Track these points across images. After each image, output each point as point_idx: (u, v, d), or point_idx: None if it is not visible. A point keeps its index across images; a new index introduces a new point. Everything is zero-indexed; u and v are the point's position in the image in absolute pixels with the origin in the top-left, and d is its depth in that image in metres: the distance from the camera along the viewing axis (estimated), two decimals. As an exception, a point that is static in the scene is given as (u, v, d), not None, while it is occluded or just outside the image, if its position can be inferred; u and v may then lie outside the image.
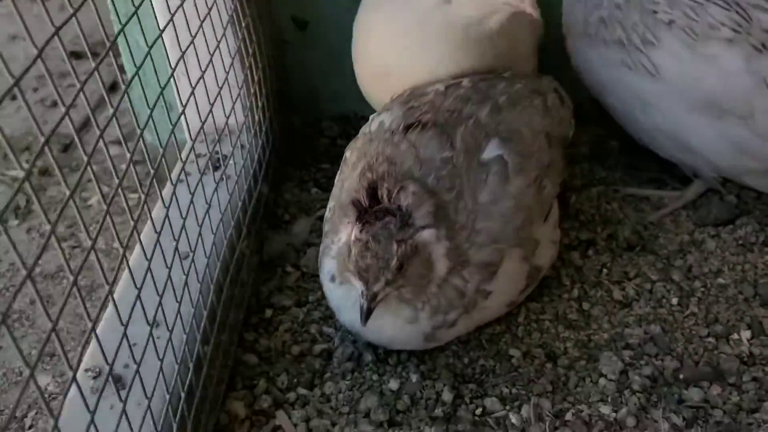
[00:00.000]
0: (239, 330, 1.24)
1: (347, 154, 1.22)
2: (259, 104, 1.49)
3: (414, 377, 1.17)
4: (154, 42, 1.00)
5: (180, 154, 1.15)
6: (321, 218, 1.50)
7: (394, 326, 1.08)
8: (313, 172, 1.65)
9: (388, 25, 1.35)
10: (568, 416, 1.09)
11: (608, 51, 1.37)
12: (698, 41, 1.28)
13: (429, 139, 1.13)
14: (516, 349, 1.20)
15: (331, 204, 1.20)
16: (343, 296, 1.09)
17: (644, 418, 1.07)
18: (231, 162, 1.37)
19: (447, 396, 1.13)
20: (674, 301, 1.25)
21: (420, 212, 1.02)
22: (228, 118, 1.33)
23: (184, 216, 1.07)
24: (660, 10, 1.32)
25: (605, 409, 1.09)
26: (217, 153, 1.39)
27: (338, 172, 1.23)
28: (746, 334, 1.17)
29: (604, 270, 1.33)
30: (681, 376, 1.11)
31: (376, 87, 1.42)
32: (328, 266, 1.11)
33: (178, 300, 1.00)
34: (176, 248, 1.02)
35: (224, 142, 1.40)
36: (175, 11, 1.11)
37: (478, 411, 1.11)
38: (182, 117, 1.12)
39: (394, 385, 1.17)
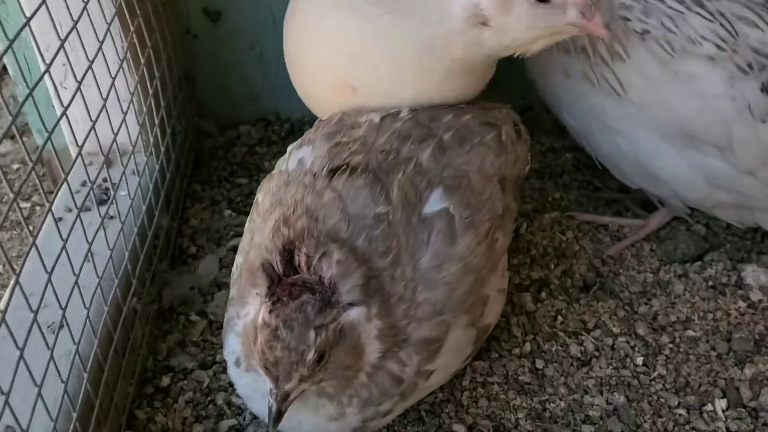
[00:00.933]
0: (128, 409, 1.03)
1: (259, 197, 1.00)
2: (156, 118, 1.25)
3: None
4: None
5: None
6: (234, 249, 1.29)
7: (316, 424, 0.88)
8: (227, 189, 1.43)
9: (373, 35, 1.00)
10: None
11: (569, 59, 1.17)
12: (675, 58, 1.09)
13: (359, 189, 0.90)
14: (460, 423, 1.02)
15: (238, 260, 0.98)
16: (250, 385, 0.88)
17: None
18: (121, 192, 1.13)
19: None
20: (639, 360, 1.09)
21: (346, 286, 0.82)
22: (116, 136, 1.09)
23: (49, 270, 0.85)
24: (633, 18, 1.12)
25: None
26: (104, 182, 1.16)
27: (248, 219, 1.01)
28: (721, 404, 1.02)
29: (559, 318, 1.16)
30: (652, 467, 0.95)
31: (327, 101, 1.10)
32: (232, 346, 0.90)
33: (40, 386, 0.78)
34: (35, 319, 0.80)
35: (113, 168, 1.17)
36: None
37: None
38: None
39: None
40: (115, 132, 1.07)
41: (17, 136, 0.82)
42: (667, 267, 1.24)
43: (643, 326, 1.13)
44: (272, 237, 0.88)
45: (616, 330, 1.13)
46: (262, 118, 1.56)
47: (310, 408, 0.86)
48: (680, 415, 1.02)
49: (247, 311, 0.86)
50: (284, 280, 0.81)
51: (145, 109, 1.22)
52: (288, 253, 0.83)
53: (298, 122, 1.56)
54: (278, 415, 0.80)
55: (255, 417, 1.04)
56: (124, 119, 1.12)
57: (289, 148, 1.05)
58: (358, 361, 0.83)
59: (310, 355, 0.78)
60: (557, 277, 1.23)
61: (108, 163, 1.10)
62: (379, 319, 0.84)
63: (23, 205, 1.51)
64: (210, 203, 1.39)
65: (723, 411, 1.02)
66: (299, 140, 1.05)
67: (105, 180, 1.16)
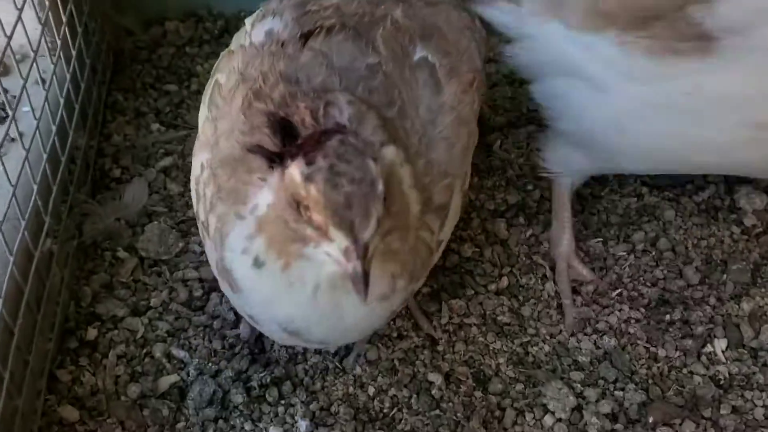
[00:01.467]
0: (47, 371, 0.87)
1: (220, 78, 0.82)
2: (64, 14, 1.02)
3: (303, 424, 0.86)
4: None
5: None
6: (166, 171, 1.11)
7: (361, 309, 0.70)
8: (153, 98, 1.22)
9: None
10: (509, 478, 0.83)
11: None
12: None
13: (341, 43, 0.80)
14: (436, 372, 0.91)
15: (203, 157, 0.78)
16: (279, 282, 0.70)
17: (605, 479, 0.83)
18: (23, 108, 0.93)
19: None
20: (630, 288, 0.99)
21: (368, 126, 0.69)
22: (10, 38, 0.87)
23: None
24: None
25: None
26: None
27: (203, 105, 0.83)
28: (721, 345, 0.94)
29: (540, 247, 1.04)
30: (651, 419, 0.86)
31: None
32: (241, 244, 0.71)
33: None
34: None
35: (10, 77, 0.96)
36: None
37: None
38: None
39: (237, 424, 0.86)
40: (9, 34, 0.85)
41: None
42: (654, 191, 1.12)
43: (632, 257, 1.03)
44: (246, 116, 0.72)
45: (602, 266, 1.03)
46: (192, 13, 1.34)
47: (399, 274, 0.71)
48: (677, 356, 0.93)
49: (255, 203, 0.69)
50: (289, 148, 0.66)
51: (48, 3, 0.99)
52: (281, 121, 0.67)
53: (233, 18, 1.34)
54: (366, 277, 0.62)
55: (201, 372, 0.90)
56: (20, 16, 0.90)
57: (247, 21, 0.88)
58: (407, 213, 0.69)
59: (380, 186, 0.62)
60: (535, 201, 1.10)
61: (4, 71, 0.89)
62: (410, 166, 0.71)
63: None
64: (134, 115, 1.19)
65: (723, 352, 0.94)
66: (259, 12, 0.88)
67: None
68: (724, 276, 1.01)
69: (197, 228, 0.84)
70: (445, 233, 0.80)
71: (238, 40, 0.88)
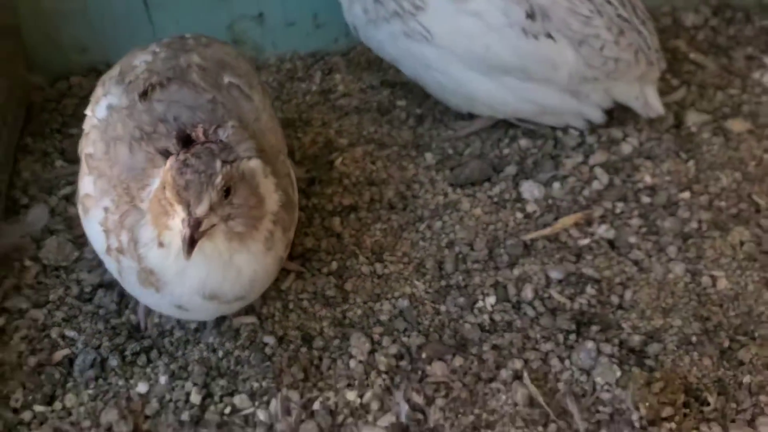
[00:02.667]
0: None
1: (87, 149, 1.08)
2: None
3: (163, 378, 1.12)
4: None
5: None
6: (66, 198, 1.38)
7: (257, 261, 0.97)
8: (58, 140, 1.49)
9: None
10: (316, 406, 1.09)
11: (390, 26, 1.35)
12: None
13: (178, 91, 1.06)
14: (271, 335, 1.18)
15: (102, 206, 1.02)
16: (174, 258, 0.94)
17: (387, 400, 1.09)
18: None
19: (195, 397, 1.10)
20: (431, 267, 1.26)
21: (243, 146, 0.95)
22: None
23: None
24: None
25: (351, 395, 1.10)
26: None
27: (87, 167, 1.09)
28: (490, 300, 1.21)
29: (364, 238, 1.32)
30: (424, 355, 1.13)
31: None
32: (147, 235, 0.96)
33: None
34: None
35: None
36: None
37: (227, 410, 1.09)
38: None
39: (142, 388, 1.12)
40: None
41: None
42: (466, 189, 1.40)
43: (435, 241, 1.31)
44: (147, 148, 0.99)
45: (410, 250, 1.30)
46: (92, 69, 1.61)
47: (244, 249, 0.96)
48: (455, 311, 1.20)
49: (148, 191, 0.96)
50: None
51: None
52: (184, 137, 0.93)
53: (130, 71, 1.62)
54: (191, 240, 0.87)
55: (86, 345, 1.15)
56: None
57: (86, 112, 1.14)
58: (261, 207, 0.96)
59: (218, 180, 0.88)
60: (366, 202, 1.38)
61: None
62: (275, 184, 0.98)
63: None
64: (42, 155, 1.45)
65: (491, 306, 1.21)
66: (91, 103, 1.15)
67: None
68: (503, 252, 1.29)
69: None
70: (296, 193, 1.09)
71: (89, 123, 1.13)
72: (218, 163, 0.89)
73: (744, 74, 1.62)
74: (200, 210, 0.88)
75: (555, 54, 1.29)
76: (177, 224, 0.90)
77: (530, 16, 1.27)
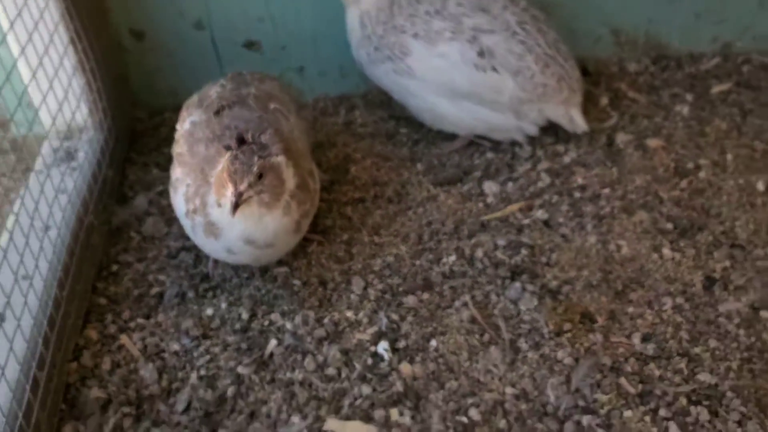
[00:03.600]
0: (92, 280, 1.67)
1: (177, 150, 1.63)
2: (100, 106, 1.89)
3: (223, 305, 1.64)
4: None
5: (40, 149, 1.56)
6: (159, 193, 1.94)
7: (278, 219, 1.47)
8: (154, 156, 2.07)
9: None
10: (326, 321, 1.59)
11: (385, 65, 1.89)
12: (432, 44, 1.80)
13: (239, 111, 1.60)
14: (298, 279, 1.69)
15: (185, 181, 1.56)
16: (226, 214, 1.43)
17: (374, 318, 1.58)
18: (79, 154, 1.78)
19: (245, 315, 1.61)
20: (413, 238, 1.76)
21: (275, 146, 1.45)
22: (70, 117, 1.74)
23: (36, 200, 1.49)
24: (407, 30, 1.82)
25: (349, 314, 1.59)
26: (68, 147, 1.80)
27: (177, 160, 1.63)
28: (451, 258, 1.70)
29: (369, 220, 1.83)
30: (401, 289, 1.63)
31: None
32: (211, 200, 1.46)
33: (37, 258, 1.43)
34: (31, 224, 1.44)
35: (75, 139, 1.82)
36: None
37: (266, 323, 1.59)
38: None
39: (209, 311, 1.63)
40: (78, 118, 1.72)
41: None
42: (444, 187, 1.91)
43: (417, 223, 1.81)
44: (216, 148, 1.51)
45: (399, 228, 1.81)
46: (179, 107, 2.19)
47: (269, 213, 1.45)
48: (426, 264, 1.69)
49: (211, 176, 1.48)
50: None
51: (96, 107, 1.86)
52: (239, 137, 1.43)
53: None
54: (235, 206, 1.37)
55: (172, 284, 1.68)
56: (77, 107, 1.76)
57: (177, 127, 1.69)
58: (282, 187, 1.45)
59: (255, 169, 1.38)
60: (371, 196, 1.90)
61: (70, 136, 1.75)
62: (294, 173, 1.48)
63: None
64: (142, 165, 2.03)
65: (452, 261, 1.70)
66: (179, 121, 1.69)
67: (70, 148, 1.80)
68: (465, 228, 1.78)
69: (176, 219, 1.66)
70: (317, 184, 1.60)
71: (178, 135, 1.66)
72: (255, 158, 1.41)
73: (668, 107, 2.10)
74: (242, 187, 1.39)
75: (499, 82, 1.81)
76: (229, 194, 1.43)
77: (480, 54, 1.80)
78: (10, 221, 1.48)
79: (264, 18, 2.10)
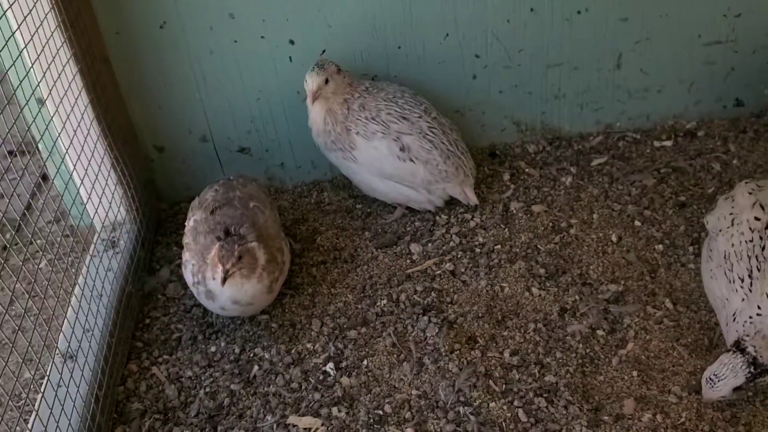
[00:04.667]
0: (131, 330, 2.39)
1: (185, 240, 2.36)
2: (135, 206, 2.64)
3: (222, 343, 2.34)
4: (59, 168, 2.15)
5: (93, 237, 2.30)
6: (178, 265, 2.66)
7: (253, 287, 2.16)
8: (174, 237, 2.81)
9: None
10: (292, 351, 2.27)
11: (337, 153, 2.59)
12: (369, 140, 2.51)
13: (228, 209, 2.30)
14: (275, 323, 2.38)
15: (192, 260, 2.30)
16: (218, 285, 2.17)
17: (325, 347, 2.27)
18: (120, 242, 2.52)
19: (237, 350, 2.30)
20: (358, 288, 2.45)
21: (251, 235, 2.16)
22: (113, 214, 2.49)
23: (93, 277, 2.23)
24: (352, 129, 2.55)
25: (309, 345, 2.28)
26: (113, 237, 2.54)
27: (186, 248, 2.36)
28: (383, 302, 2.38)
29: (328, 277, 2.53)
30: (346, 326, 2.32)
31: None
32: (208, 275, 2.15)
33: (96, 317, 2.16)
34: (91, 294, 2.17)
35: (117, 231, 2.56)
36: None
37: (252, 355, 2.29)
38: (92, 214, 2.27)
39: (212, 348, 2.33)
40: (117, 213, 2.46)
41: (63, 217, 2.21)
42: (383, 249, 2.60)
43: (361, 277, 2.50)
44: (211, 236, 2.23)
45: (349, 281, 2.50)
46: (191, 199, 2.92)
47: (249, 283, 2.15)
48: (365, 307, 2.37)
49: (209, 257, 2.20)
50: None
51: (133, 203, 2.61)
52: (226, 232, 2.17)
53: (212, 197, 2.95)
54: (224, 279, 2.07)
55: (187, 330, 2.39)
56: (118, 207, 2.51)
57: (186, 224, 2.42)
58: (256, 264, 2.15)
59: (236, 254, 2.08)
60: (330, 259, 2.60)
61: (115, 228, 2.50)
62: (264, 252, 2.19)
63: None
64: (166, 244, 2.77)
65: (384, 304, 2.37)
66: (187, 218, 2.42)
67: (113, 238, 2.55)
68: (395, 279, 2.46)
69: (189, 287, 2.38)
70: (285, 256, 2.30)
71: (186, 229, 2.39)
72: (236, 246, 2.13)
73: (555, 178, 2.78)
74: (227, 266, 2.11)
75: (414, 169, 2.51)
76: (219, 272, 2.14)
77: (401, 149, 2.50)
78: (77, 292, 2.21)
79: (251, 131, 2.84)
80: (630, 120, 2.96)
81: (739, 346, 1.72)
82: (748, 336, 1.71)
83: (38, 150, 2.17)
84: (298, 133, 2.82)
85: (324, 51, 2.67)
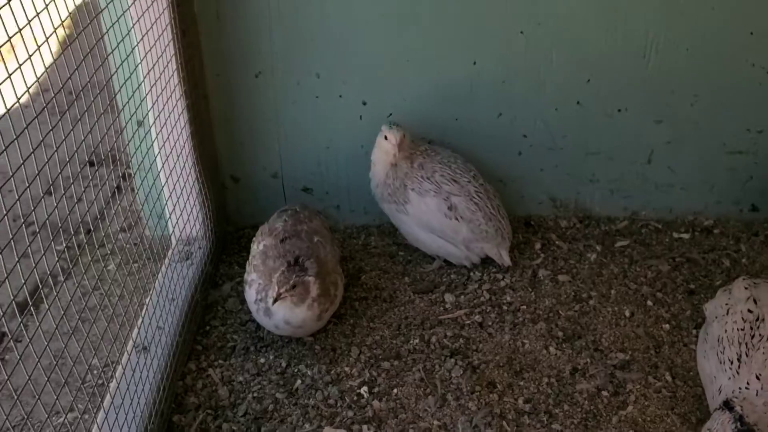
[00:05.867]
0: (194, 335, 2.72)
1: (254, 262, 2.69)
2: (210, 225, 3.00)
3: (271, 357, 2.66)
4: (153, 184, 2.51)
5: (168, 250, 2.66)
6: (238, 283, 3.00)
7: (304, 312, 2.49)
8: (236, 258, 3.15)
9: None
10: (332, 372, 2.59)
11: (390, 205, 2.94)
12: (422, 197, 2.86)
13: (295, 241, 2.65)
14: (318, 346, 2.70)
15: (257, 280, 2.64)
16: (285, 306, 2.50)
17: (361, 372, 2.58)
18: (194, 255, 2.88)
19: (284, 364, 2.62)
20: (394, 326, 2.77)
21: (311, 270, 2.50)
22: (191, 230, 2.85)
23: (168, 283, 2.58)
24: (408, 185, 2.90)
25: (347, 369, 2.59)
26: (188, 250, 2.90)
27: (249, 269, 2.70)
28: (416, 341, 2.70)
29: (368, 312, 2.85)
30: (381, 357, 2.63)
31: None
32: (270, 295, 2.47)
33: (167, 317, 2.49)
34: (166, 297, 2.52)
35: (192, 245, 2.92)
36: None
37: (296, 370, 2.60)
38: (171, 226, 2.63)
39: (262, 360, 2.65)
40: (194, 230, 2.82)
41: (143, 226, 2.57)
42: (420, 295, 2.92)
43: (398, 316, 2.82)
44: (281, 262, 2.57)
45: (388, 318, 2.81)
46: (255, 225, 3.27)
47: (302, 308, 2.48)
48: (400, 342, 2.68)
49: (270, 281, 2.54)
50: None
51: (209, 223, 2.97)
52: (295, 260, 2.52)
53: (272, 228, 3.31)
54: (275, 300, 2.40)
55: (241, 341, 2.71)
56: (195, 225, 2.87)
57: (252, 246, 2.77)
58: (307, 295, 2.47)
59: (291, 282, 2.41)
60: (372, 297, 2.92)
61: (191, 242, 2.85)
62: (318, 286, 2.52)
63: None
64: (229, 263, 3.11)
65: (416, 343, 2.68)
66: (254, 242, 2.77)
67: (188, 250, 2.90)
68: (428, 323, 2.78)
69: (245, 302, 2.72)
70: (338, 290, 2.64)
71: (253, 252, 2.73)
72: (294, 276, 2.46)
73: (582, 253, 3.10)
74: (281, 291, 2.44)
75: (458, 227, 2.84)
76: (273, 293, 2.47)
77: (449, 208, 2.84)
78: (154, 295, 2.55)
79: (316, 173, 3.21)
80: (654, 210, 3.28)
81: (728, 405, 1.99)
82: (736, 398, 1.98)
83: (121, 162, 2.54)
84: (357, 182, 3.17)
85: (390, 114, 3.05)
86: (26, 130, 1.52)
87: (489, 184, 2.98)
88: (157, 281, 2.60)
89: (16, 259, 1.51)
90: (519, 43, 2.90)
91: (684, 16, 2.83)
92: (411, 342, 2.70)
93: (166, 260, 2.76)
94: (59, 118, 1.68)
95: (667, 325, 2.74)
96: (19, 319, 1.57)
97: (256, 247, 2.73)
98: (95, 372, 2.45)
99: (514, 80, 2.98)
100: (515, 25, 2.87)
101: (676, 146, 3.12)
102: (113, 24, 2.11)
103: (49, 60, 1.76)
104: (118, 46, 2.16)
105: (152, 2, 2.37)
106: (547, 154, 3.15)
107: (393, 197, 2.92)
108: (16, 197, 1.50)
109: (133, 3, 2.31)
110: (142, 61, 2.47)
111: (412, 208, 2.89)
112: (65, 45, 1.81)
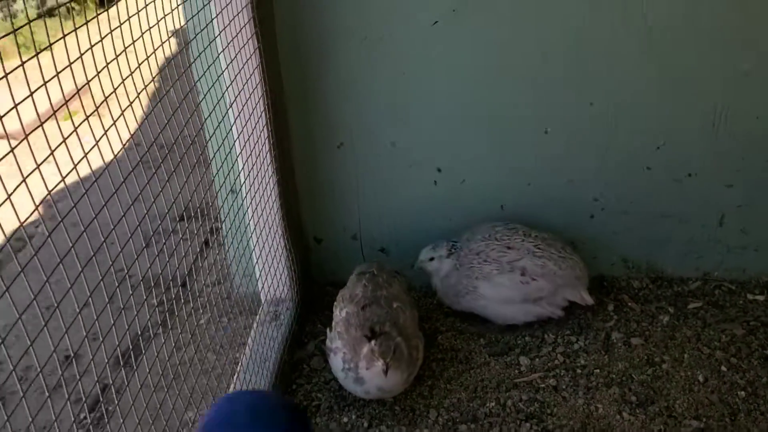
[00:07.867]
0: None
1: (337, 329, 2.87)
2: (295, 286, 3.20)
3: (354, 416, 2.82)
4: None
5: (259, 309, 2.87)
6: (323, 341, 3.18)
7: (398, 377, 2.64)
8: (320, 316, 3.34)
9: None
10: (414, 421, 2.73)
11: (469, 297, 3.08)
12: (491, 279, 2.99)
13: (375, 308, 2.81)
14: (398, 407, 2.84)
15: (343, 345, 2.82)
16: (378, 374, 2.68)
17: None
18: (281, 315, 3.08)
19: (366, 424, 2.78)
20: (470, 388, 2.89)
21: (393, 332, 2.67)
22: (278, 291, 3.05)
23: (260, 343, 2.77)
24: (471, 276, 3.03)
25: (425, 431, 2.73)
26: (277, 310, 3.10)
27: (332, 335, 2.88)
28: (492, 404, 2.81)
29: (445, 374, 2.98)
30: (458, 420, 2.75)
31: None
32: (362, 365, 2.64)
33: (261, 376, 2.69)
34: (258, 357, 2.71)
35: (280, 305, 3.12)
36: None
37: (377, 430, 2.75)
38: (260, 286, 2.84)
39: (345, 419, 2.81)
40: (283, 292, 3.02)
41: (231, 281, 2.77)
42: (495, 357, 3.04)
43: (474, 378, 2.94)
44: (360, 330, 2.74)
45: (464, 379, 2.94)
46: (338, 284, 3.46)
47: (395, 372, 2.65)
48: (477, 404, 2.80)
49: (362, 352, 2.70)
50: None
51: (294, 284, 3.17)
52: (371, 330, 2.69)
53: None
54: (386, 370, 2.55)
55: (325, 401, 2.88)
56: (283, 287, 3.07)
57: (335, 312, 2.94)
58: (403, 357, 2.63)
59: (392, 348, 2.57)
60: (449, 358, 3.05)
61: (279, 302, 3.05)
62: (405, 348, 2.67)
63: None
64: (313, 322, 3.30)
65: (492, 407, 2.80)
66: (336, 308, 2.94)
67: (276, 311, 3.10)
68: (504, 385, 2.89)
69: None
70: (420, 353, 2.79)
71: (336, 319, 2.90)
72: (391, 343, 2.61)
73: (654, 315, 3.16)
74: (387, 360, 2.57)
75: (536, 285, 2.95)
76: (379, 365, 2.61)
77: (522, 274, 2.96)
78: (247, 356, 2.74)
79: (391, 235, 3.38)
80: (727, 270, 3.31)
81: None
82: None
83: (209, 217, 2.76)
84: (429, 243, 3.32)
85: (464, 180, 3.20)
86: (124, 185, 1.56)
87: (542, 232, 3.09)
88: (248, 342, 2.80)
89: (119, 312, 1.59)
90: (589, 112, 3.01)
91: (753, 86, 2.89)
92: (487, 405, 2.81)
93: (256, 322, 2.96)
94: (153, 171, 1.74)
95: (743, 392, 2.77)
96: (122, 372, 1.73)
97: (338, 312, 2.90)
98: (189, 426, 2.65)
99: (584, 147, 3.09)
100: (586, 96, 2.98)
101: (748, 209, 3.16)
102: (211, 111, 2.33)
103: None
104: (216, 129, 2.39)
105: (250, 94, 2.61)
106: (620, 218, 3.23)
107: (462, 292, 3.08)
108: (119, 250, 1.55)
109: (229, 85, 2.54)
110: (237, 138, 2.69)
111: (486, 292, 3.02)
112: (160, 102, 1.93)
